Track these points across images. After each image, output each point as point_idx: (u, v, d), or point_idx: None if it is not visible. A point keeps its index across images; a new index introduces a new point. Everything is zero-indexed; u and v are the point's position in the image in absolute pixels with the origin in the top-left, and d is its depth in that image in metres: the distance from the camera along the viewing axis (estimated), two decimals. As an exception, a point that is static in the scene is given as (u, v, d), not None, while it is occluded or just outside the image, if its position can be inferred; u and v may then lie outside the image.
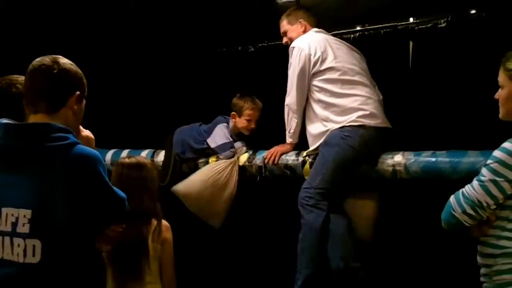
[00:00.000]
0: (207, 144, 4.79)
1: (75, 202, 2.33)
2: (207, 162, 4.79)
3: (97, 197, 2.40)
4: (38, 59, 2.49)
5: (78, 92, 2.50)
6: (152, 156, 5.02)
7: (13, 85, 3.06)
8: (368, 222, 4.19)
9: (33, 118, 2.46)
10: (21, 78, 3.09)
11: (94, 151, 2.44)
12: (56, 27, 5.27)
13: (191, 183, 4.63)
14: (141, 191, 3.37)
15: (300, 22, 4.47)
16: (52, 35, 5.15)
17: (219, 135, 4.77)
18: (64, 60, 2.49)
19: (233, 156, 4.66)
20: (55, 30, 5.25)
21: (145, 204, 3.36)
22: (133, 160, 3.51)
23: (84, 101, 2.57)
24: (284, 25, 4.55)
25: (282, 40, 4.66)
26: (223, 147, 4.71)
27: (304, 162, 4.32)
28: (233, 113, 4.82)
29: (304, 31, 4.43)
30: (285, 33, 4.53)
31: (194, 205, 4.63)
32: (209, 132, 4.82)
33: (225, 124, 4.84)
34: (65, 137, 2.39)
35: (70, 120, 2.49)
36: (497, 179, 2.52)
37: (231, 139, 4.76)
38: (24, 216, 2.31)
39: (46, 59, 2.48)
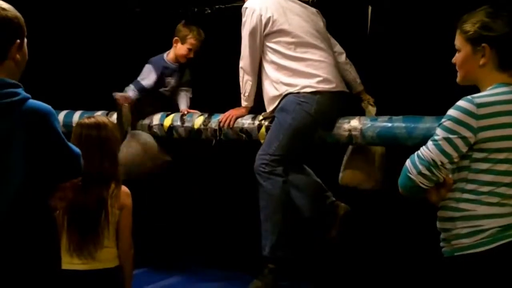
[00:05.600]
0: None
1: (31, 159, 2.26)
2: (161, 125, 4.77)
3: (52, 152, 2.33)
4: None
5: (18, 41, 2.36)
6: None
7: None
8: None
9: None
10: None
11: (47, 106, 2.34)
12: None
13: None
14: (101, 152, 3.28)
15: None
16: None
17: (143, 74, 4.88)
18: None
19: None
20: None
21: (105, 166, 3.28)
22: (92, 120, 3.39)
23: (26, 41, 2.43)
24: None
25: (238, 2, 4.63)
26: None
27: (260, 126, 4.31)
28: (176, 38, 4.85)
29: None
30: (242, 0, 4.48)
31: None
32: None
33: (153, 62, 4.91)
34: (15, 92, 2.29)
35: (13, 70, 2.37)
36: (451, 136, 2.51)
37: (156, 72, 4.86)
38: None
39: None
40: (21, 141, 2.26)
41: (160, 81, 4.88)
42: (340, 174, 4.29)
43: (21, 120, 2.26)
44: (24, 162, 2.26)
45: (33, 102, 2.32)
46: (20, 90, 2.32)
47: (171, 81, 4.94)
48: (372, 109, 4.26)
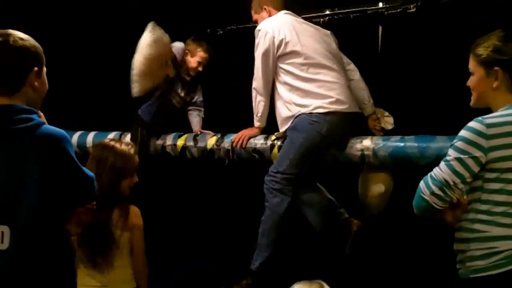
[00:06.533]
0: None
1: (44, 184, 2.29)
2: (174, 145, 4.81)
3: (66, 177, 2.37)
4: None
5: (35, 68, 2.42)
6: (120, 138, 4.97)
7: None
8: (379, 199, 4.24)
9: None
10: None
11: (60, 131, 2.38)
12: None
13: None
14: (113, 174, 3.31)
15: (264, 8, 4.45)
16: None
17: None
18: (14, 37, 2.39)
19: None
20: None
21: (115, 187, 3.31)
22: (107, 142, 3.44)
23: (45, 70, 2.50)
24: (253, 14, 4.57)
25: (251, 24, 4.69)
26: None
27: (272, 146, 4.32)
28: (186, 51, 4.97)
29: (269, 16, 4.40)
30: (256, 22, 4.51)
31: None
32: None
33: None
34: (29, 118, 2.33)
35: (31, 96, 2.43)
36: (462, 156, 2.55)
37: None
38: None
39: None
40: (35, 166, 2.29)
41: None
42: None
43: (35, 145, 2.30)
44: (38, 187, 2.29)
45: (47, 127, 2.36)
46: (34, 116, 2.36)
47: (181, 91, 5.03)
48: (389, 118, 4.27)
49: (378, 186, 4.21)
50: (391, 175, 4.20)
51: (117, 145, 3.44)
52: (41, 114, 2.58)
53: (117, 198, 3.33)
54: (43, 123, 2.37)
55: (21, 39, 2.41)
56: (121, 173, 3.34)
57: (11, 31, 2.42)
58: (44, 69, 2.49)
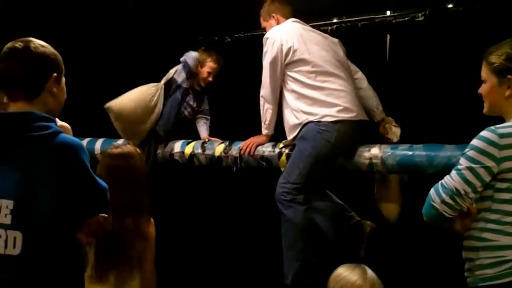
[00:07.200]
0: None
1: (58, 193, 2.30)
2: (182, 153, 4.81)
3: (80, 187, 2.37)
4: (8, 44, 2.43)
5: (55, 74, 2.45)
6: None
7: None
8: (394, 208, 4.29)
9: (13, 106, 2.40)
10: None
11: (77, 140, 2.40)
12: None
13: (125, 102, 4.93)
14: (128, 183, 3.26)
15: (272, 16, 4.48)
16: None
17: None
18: (35, 44, 2.43)
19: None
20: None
21: (130, 196, 3.25)
22: (119, 150, 3.40)
23: (64, 79, 2.52)
24: (262, 22, 4.60)
25: (258, 31, 4.74)
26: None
27: (280, 154, 4.32)
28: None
29: (278, 24, 4.43)
30: (264, 29, 4.53)
31: (122, 124, 4.96)
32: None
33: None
34: (47, 126, 2.34)
35: (51, 103, 2.45)
36: (473, 165, 2.54)
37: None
38: (7, 207, 2.27)
39: (16, 44, 2.41)
40: (51, 174, 2.29)
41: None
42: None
43: (51, 153, 2.31)
44: (52, 195, 2.29)
45: (64, 136, 2.38)
46: (52, 124, 2.37)
47: (193, 102, 5.09)
48: (396, 129, 4.27)
49: (389, 215, 4.27)
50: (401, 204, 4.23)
51: (132, 150, 3.41)
52: (69, 127, 2.60)
53: (131, 206, 3.28)
54: (60, 132, 2.38)
55: (42, 46, 2.45)
56: (132, 178, 3.30)
57: (32, 38, 2.46)
58: (63, 78, 2.52)
